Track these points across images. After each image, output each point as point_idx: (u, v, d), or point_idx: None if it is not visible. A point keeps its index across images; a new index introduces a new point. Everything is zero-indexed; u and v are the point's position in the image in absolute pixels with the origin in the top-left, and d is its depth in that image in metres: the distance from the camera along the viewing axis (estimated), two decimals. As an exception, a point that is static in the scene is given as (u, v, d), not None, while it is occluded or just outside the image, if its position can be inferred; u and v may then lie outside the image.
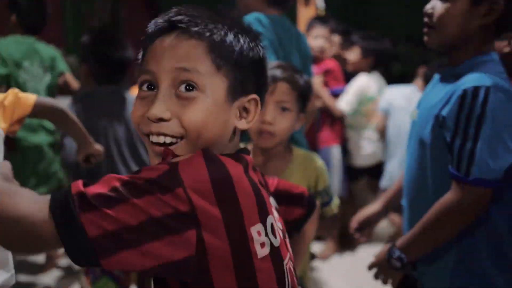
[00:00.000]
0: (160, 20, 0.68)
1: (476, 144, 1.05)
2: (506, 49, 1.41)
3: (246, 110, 0.72)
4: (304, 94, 1.28)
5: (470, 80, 1.08)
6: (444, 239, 1.14)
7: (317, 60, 2.85)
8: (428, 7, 1.17)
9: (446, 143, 1.11)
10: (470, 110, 1.05)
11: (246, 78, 0.70)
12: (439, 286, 1.19)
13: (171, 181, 0.57)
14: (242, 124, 0.71)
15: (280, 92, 1.23)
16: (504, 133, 1.06)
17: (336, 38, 3.13)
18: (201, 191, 0.58)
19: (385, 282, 1.26)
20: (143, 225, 0.55)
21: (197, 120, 0.64)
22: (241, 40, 0.69)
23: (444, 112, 1.11)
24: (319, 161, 1.36)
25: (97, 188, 0.57)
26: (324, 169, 1.36)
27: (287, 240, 0.77)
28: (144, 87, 0.66)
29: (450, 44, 1.17)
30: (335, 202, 1.37)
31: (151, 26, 0.69)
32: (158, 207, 0.56)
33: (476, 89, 1.05)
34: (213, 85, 0.65)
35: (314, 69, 2.77)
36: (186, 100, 0.64)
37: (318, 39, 2.89)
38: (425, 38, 1.20)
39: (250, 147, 1.32)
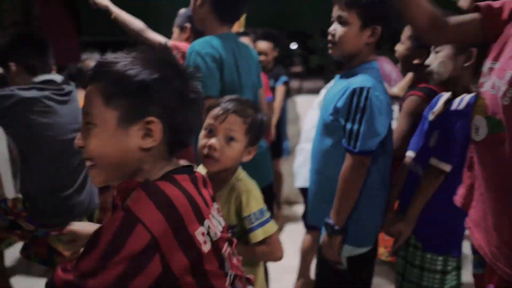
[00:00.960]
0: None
1: (360, 127, 1.49)
2: (417, 61, 1.90)
3: (150, 130, 0.84)
4: (255, 129, 1.36)
5: (357, 81, 1.51)
6: (353, 197, 1.53)
7: None
8: (331, 29, 1.57)
9: (341, 125, 1.54)
10: (357, 103, 1.49)
11: (139, 104, 0.82)
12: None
13: (131, 225, 0.75)
14: (147, 143, 0.84)
15: (229, 122, 1.32)
16: (378, 119, 1.50)
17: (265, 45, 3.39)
18: (156, 222, 0.75)
19: (332, 257, 1.59)
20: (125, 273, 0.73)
21: (93, 147, 0.83)
22: (133, 73, 0.81)
23: (339, 103, 1.53)
24: (249, 188, 1.36)
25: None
26: (252, 195, 1.35)
27: (227, 235, 0.96)
28: None
29: (347, 56, 1.59)
30: (264, 229, 1.35)
31: None
32: (129, 252, 0.73)
33: (361, 88, 1.49)
34: (103, 119, 0.82)
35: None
36: (87, 132, 0.84)
37: None
38: (330, 51, 1.61)
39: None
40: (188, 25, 2.36)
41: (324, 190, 1.64)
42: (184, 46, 2.08)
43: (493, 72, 1.11)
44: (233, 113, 1.33)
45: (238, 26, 3.93)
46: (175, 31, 2.43)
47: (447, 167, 1.54)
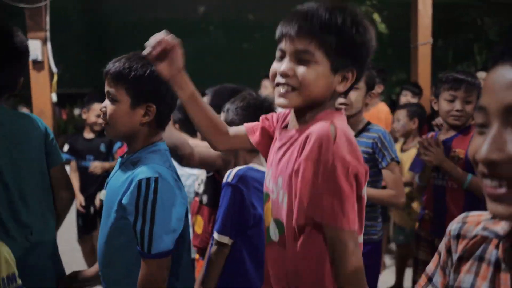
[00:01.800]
0: None
1: (153, 226, 1.25)
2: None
3: None
4: None
5: (143, 171, 1.28)
6: None
7: None
8: (102, 105, 1.36)
9: (131, 225, 1.28)
10: (145, 198, 1.25)
11: None
12: None
13: None
14: None
15: None
16: (171, 212, 1.28)
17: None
18: None
19: None
20: None
21: None
22: None
23: (125, 200, 1.28)
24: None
25: None
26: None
27: None
28: None
29: (123, 137, 1.39)
30: None
31: None
32: None
33: (147, 180, 1.25)
34: None
35: None
36: None
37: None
38: (104, 132, 1.39)
39: None
40: None
41: None
42: None
43: (270, 178, 1.18)
44: None
45: (52, 89, 3.66)
46: None
47: (224, 239, 1.55)
